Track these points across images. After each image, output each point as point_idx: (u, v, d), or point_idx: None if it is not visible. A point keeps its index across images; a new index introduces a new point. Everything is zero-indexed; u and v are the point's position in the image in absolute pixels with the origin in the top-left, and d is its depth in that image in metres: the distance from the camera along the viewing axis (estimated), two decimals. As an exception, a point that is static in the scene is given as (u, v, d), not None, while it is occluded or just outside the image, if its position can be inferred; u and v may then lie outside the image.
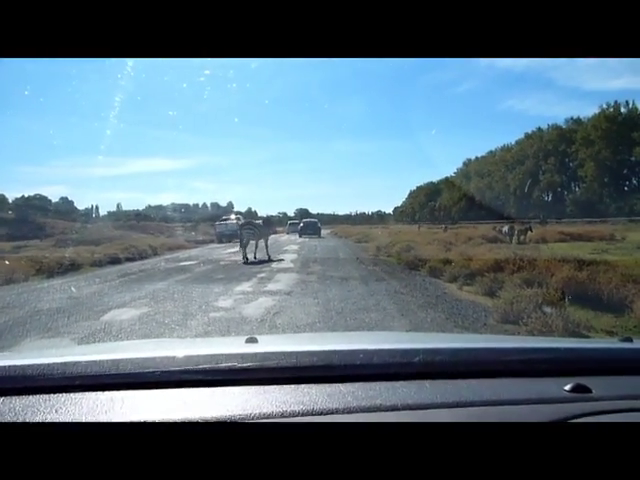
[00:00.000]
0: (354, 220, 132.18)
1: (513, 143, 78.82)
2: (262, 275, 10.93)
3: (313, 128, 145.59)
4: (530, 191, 68.62)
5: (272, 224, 17.97)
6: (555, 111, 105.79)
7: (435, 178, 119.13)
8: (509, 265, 9.20)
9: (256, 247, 15.36)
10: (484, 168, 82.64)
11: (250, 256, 14.55)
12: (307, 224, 35.56)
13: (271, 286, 9.07)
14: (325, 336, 2.99)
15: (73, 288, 9.09)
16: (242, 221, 16.80)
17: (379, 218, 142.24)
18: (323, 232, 43.10)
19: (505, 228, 23.87)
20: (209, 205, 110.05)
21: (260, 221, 16.52)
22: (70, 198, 72.95)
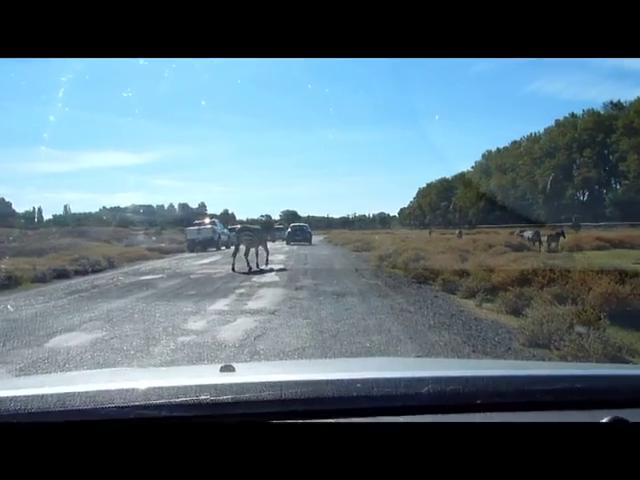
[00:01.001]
0: (352, 224, 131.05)
1: (541, 132, 79.58)
2: (241, 291, 10.89)
3: (299, 114, 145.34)
4: (562, 189, 68.62)
5: (271, 229, 18.68)
6: (591, 94, 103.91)
7: (449, 174, 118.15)
8: (538, 278, 9.24)
9: (257, 255, 16.32)
10: (507, 162, 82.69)
11: (252, 265, 15.45)
12: (295, 229, 35.69)
13: (252, 304, 9.04)
14: (316, 363, 2.99)
15: (10, 307, 8.95)
16: (238, 227, 17.14)
17: (382, 222, 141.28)
18: (315, 239, 42.22)
19: (528, 233, 24.09)
20: (177, 207, 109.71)
21: (258, 226, 17.61)
22: (7, 199, 71.33)
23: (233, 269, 15.25)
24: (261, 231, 16.96)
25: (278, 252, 25.67)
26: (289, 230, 35.27)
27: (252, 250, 16.21)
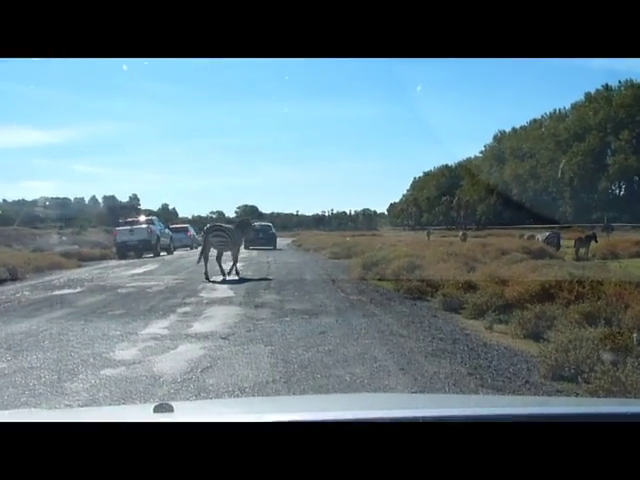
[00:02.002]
0: (328, 224, 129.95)
1: (568, 108, 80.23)
2: (185, 309, 10.90)
3: (256, 81, 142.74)
4: (593, 181, 68.36)
5: (249, 228, 19.49)
6: (629, 62, 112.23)
7: (452, 161, 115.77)
8: (563, 292, 9.32)
9: (235, 261, 17.38)
10: (525, 146, 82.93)
11: (223, 271, 16.46)
12: (256, 230, 37.39)
13: (199, 327, 9.06)
14: (281, 401, 2.86)
15: None
16: (207, 226, 17.88)
17: (367, 221, 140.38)
18: (281, 242, 42.39)
19: (543, 235, 24.67)
20: (101, 200, 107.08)
21: (233, 225, 18.35)
22: None
23: (207, 277, 16.17)
24: (236, 231, 17.59)
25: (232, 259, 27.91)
26: None
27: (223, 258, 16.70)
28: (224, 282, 15.62)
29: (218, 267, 17.02)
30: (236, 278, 16.76)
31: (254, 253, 30.97)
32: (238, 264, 17.94)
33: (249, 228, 19.66)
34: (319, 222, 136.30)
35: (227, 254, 18.03)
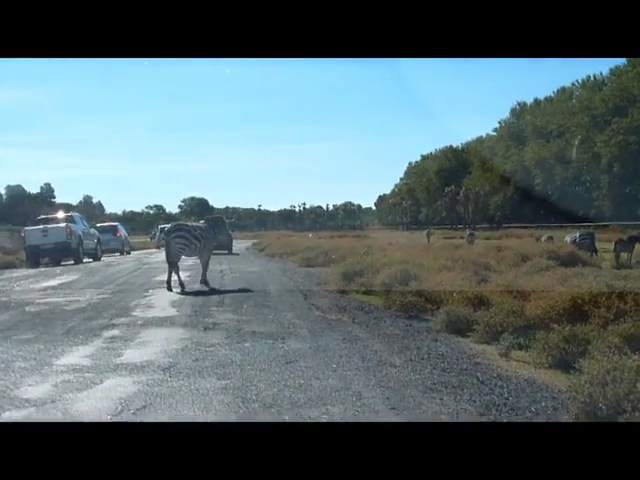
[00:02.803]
0: (299, 222, 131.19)
1: (606, 74, 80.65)
2: (113, 332, 10.88)
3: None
4: (639, 166, 69.02)
5: (221, 227, 20.34)
6: None
7: (458, 141, 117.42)
8: (599, 309, 9.34)
9: (205, 268, 18.18)
10: (551, 122, 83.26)
11: (183, 281, 17.57)
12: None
13: (132, 355, 9.05)
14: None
15: None
16: (166, 226, 19.44)
17: (349, 217, 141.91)
18: (238, 245, 44.02)
19: (572, 236, 24.84)
20: (3, 191, 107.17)
21: (202, 224, 19.06)
22: None
23: (169, 288, 16.99)
24: (206, 232, 18.30)
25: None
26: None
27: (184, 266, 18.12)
28: (169, 296, 15.43)
29: (175, 277, 17.19)
30: (205, 289, 17.08)
31: (190, 261, 31.43)
32: (181, 273, 18.06)
33: (223, 228, 20.21)
34: (288, 219, 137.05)
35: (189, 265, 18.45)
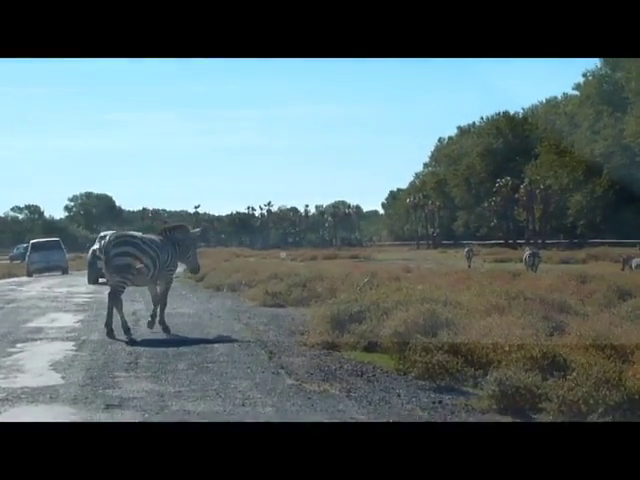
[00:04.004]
0: (263, 233, 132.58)
1: None
2: None
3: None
4: None
5: (188, 241, 20.12)
6: None
7: (514, 106, 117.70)
8: None
9: (160, 303, 18.33)
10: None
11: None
12: (113, 245, 37.01)
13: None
14: None
15: None
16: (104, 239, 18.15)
17: (342, 226, 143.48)
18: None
19: None
20: None
21: (157, 236, 18.84)
22: None
23: (110, 334, 17.17)
24: (163, 247, 17.99)
25: (54, 306, 25.91)
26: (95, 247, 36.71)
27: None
28: (51, 352, 15.54)
29: (118, 317, 17.24)
30: (164, 336, 17.37)
31: (107, 292, 30.78)
32: (68, 317, 18.02)
33: (188, 243, 19.36)
34: (243, 229, 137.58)
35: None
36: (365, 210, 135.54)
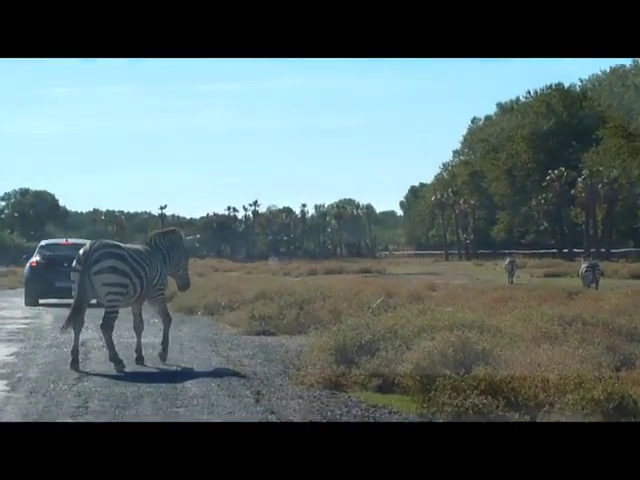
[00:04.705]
0: (247, 239, 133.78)
1: None
2: None
3: None
4: None
5: (180, 250, 20.54)
6: None
7: (570, 76, 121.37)
8: None
9: (140, 335, 19.04)
10: None
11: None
12: (53, 259, 39.44)
13: None
14: None
15: None
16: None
17: (349, 231, 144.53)
18: None
19: None
20: None
21: (143, 246, 19.39)
22: None
23: (75, 365, 17.22)
24: (152, 258, 18.12)
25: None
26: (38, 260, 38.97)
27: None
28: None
29: (74, 344, 17.22)
30: (155, 369, 17.43)
31: (49, 316, 31.84)
32: (12, 348, 17.86)
33: (181, 251, 19.70)
34: (221, 236, 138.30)
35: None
36: (379, 211, 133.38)
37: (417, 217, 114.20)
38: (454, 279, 41.59)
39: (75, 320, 17.09)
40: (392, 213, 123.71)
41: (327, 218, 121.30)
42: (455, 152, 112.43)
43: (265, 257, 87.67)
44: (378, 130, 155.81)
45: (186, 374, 17.99)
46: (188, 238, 22.12)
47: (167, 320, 18.24)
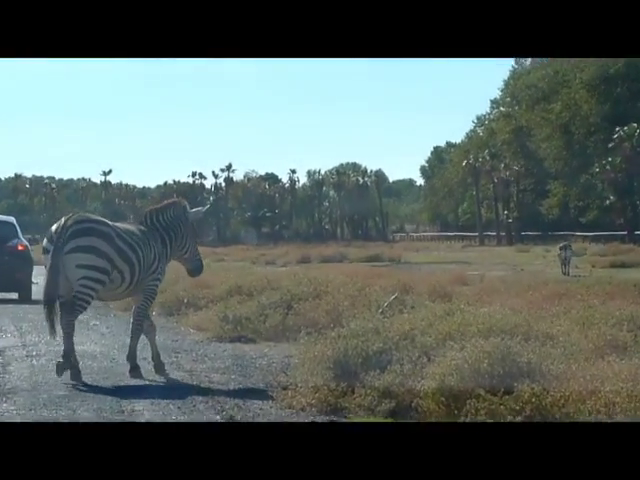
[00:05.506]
0: (219, 217, 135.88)
1: None
2: None
3: None
4: None
5: (188, 227, 21.19)
6: None
7: None
8: None
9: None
10: None
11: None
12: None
13: None
14: None
15: None
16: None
17: (353, 206, 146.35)
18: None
19: None
20: None
21: (137, 227, 19.18)
22: None
23: (61, 371, 17.09)
24: (147, 241, 18.44)
25: None
26: None
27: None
28: None
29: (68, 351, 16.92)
30: (94, 384, 16.92)
31: None
32: None
33: (185, 227, 20.49)
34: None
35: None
36: (392, 179, 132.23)
37: (443, 188, 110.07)
38: (491, 270, 40.35)
39: (54, 317, 17.35)
40: (410, 182, 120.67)
41: (324, 188, 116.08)
42: (493, 102, 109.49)
43: (241, 240, 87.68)
44: (389, 74, 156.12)
45: (136, 392, 18.03)
46: (192, 210, 22.33)
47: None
